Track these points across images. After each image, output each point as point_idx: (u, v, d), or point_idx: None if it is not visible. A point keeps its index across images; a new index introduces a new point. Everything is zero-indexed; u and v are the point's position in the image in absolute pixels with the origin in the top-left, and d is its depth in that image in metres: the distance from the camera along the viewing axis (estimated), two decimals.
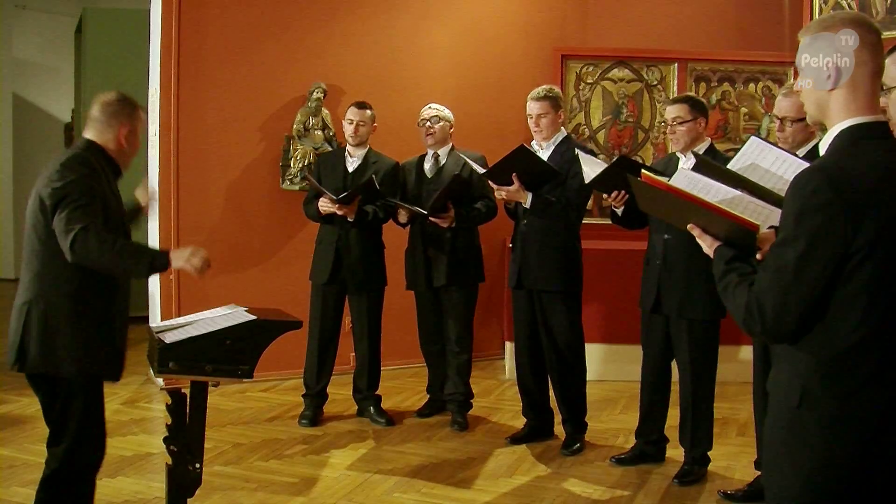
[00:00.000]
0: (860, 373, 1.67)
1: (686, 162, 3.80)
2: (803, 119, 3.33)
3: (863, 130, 1.73)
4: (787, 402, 1.74)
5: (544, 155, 4.12)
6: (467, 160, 4.38)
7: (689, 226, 1.98)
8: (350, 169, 4.62)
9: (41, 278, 2.69)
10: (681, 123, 3.76)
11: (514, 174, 3.97)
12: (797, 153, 3.32)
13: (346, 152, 4.68)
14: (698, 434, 3.84)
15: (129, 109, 2.87)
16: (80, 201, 2.63)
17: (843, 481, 1.68)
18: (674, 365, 3.93)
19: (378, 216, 4.55)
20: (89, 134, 2.85)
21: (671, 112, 3.79)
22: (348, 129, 4.61)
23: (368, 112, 4.62)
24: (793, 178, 1.74)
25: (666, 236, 3.77)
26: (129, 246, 2.71)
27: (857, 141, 1.72)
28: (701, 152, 3.75)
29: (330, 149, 5.44)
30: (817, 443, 1.69)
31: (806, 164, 2.73)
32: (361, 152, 4.64)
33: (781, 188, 2.71)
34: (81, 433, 2.72)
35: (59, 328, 2.66)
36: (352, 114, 4.61)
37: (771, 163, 2.77)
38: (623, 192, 3.71)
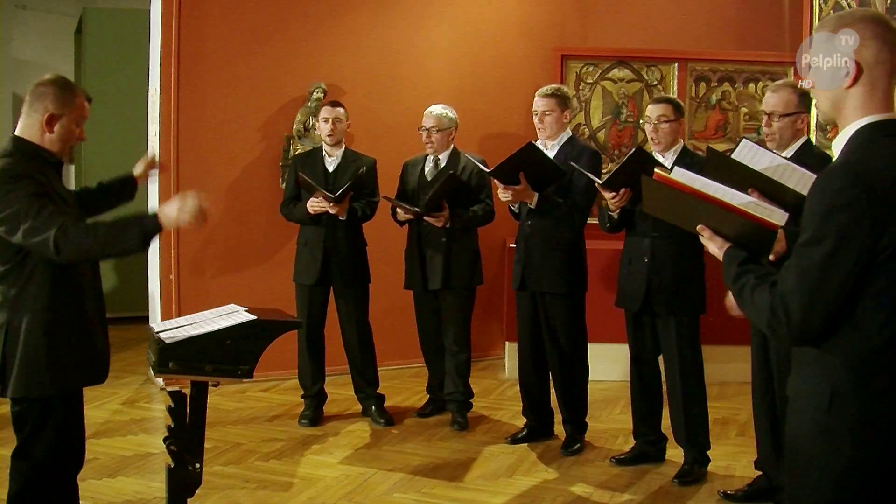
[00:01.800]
0: (891, 372, 1.65)
1: (664, 161, 3.82)
2: (791, 114, 3.35)
3: (881, 128, 1.72)
4: (816, 405, 1.71)
5: (549, 154, 4.11)
6: (470, 158, 4.37)
7: (698, 227, 1.96)
8: (330, 168, 4.63)
9: (13, 298, 2.58)
10: (666, 122, 3.78)
11: (521, 173, 3.96)
12: (785, 152, 3.34)
13: (324, 152, 4.68)
14: (695, 433, 3.84)
15: (59, 92, 2.60)
16: (33, 209, 2.46)
17: (876, 483, 1.66)
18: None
19: (366, 213, 4.57)
20: (18, 125, 2.62)
21: (656, 111, 3.82)
22: (325, 128, 4.61)
23: (342, 110, 4.63)
24: (817, 175, 1.72)
25: (654, 235, 3.78)
26: (112, 226, 2.54)
27: (877, 139, 1.70)
28: (677, 153, 3.81)
29: None
30: (848, 445, 1.66)
31: (798, 168, 2.74)
32: (339, 151, 4.65)
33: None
34: (54, 450, 2.63)
35: (39, 347, 2.55)
36: (326, 112, 4.62)
37: (765, 166, 2.78)
38: (627, 190, 3.71)
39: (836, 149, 1.77)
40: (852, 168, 1.66)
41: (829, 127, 5.45)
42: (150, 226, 2.54)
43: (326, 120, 4.60)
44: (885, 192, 1.63)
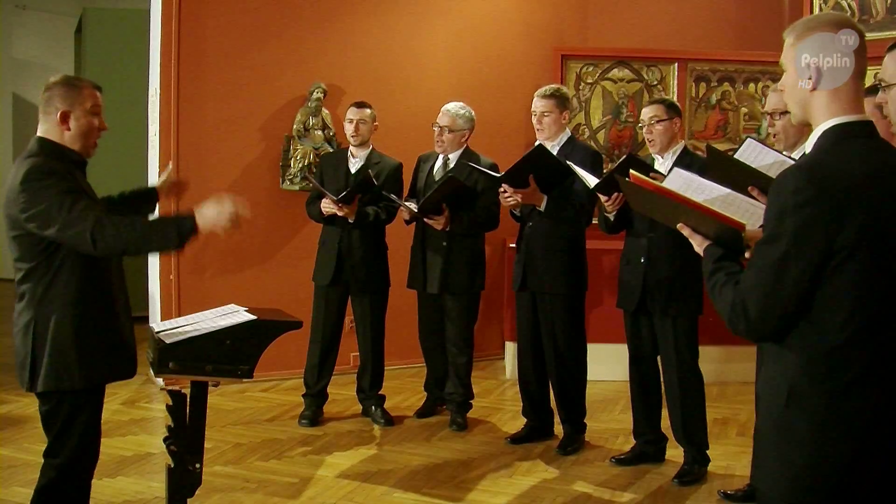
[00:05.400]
0: (848, 371, 1.67)
1: (663, 163, 3.83)
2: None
3: (847, 129, 1.74)
4: (776, 401, 1.74)
5: None
6: (475, 166, 4.25)
7: (678, 225, 2.00)
8: (353, 170, 4.60)
9: (39, 295, 2.59)
10: (658, 122, 3.80)
11: (530, 175, 3.92)
12: (794, 152, 3.35)
13: (349, 153, 4.66)
14: (693, 432, 3.84)
15: (64, 89, 2.64)
16: (66, 204, 2.50)
17: (832, 481, 1.68)
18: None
19: (380, 217, 4.53)
20: (38, 128, 2.66)
21: (648, 112, 3.85)
22: (349, 129, 4.59)
23: (368, 111, 4.59)
24: (776, 176, 1.75)
25: (650, 234, 3.79)
26: (150, 224, 2.63)
27: (841, 140, 1.74)
28: (676, 154, 3.82)
29: (330, 149, 5.44)
30: (805, 442, 1.69)
31: None
32: (364, 153, 4.62)
33: None
34: (83, 446, 2.67)
35: (68, 341, 2.58)
36: (351, 113, 4.59)
37: (770, 164, 2.79)
38: (621, 194, 3.71)
39: (808, 149, 1.81)
40: (808, 170, 1.69)
41: None
42: (188, 227, 2.59)
43: (351, 121, 4.57)
44: (841, 193, 1.65)
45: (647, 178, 2.06)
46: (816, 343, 1.69)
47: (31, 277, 2.60)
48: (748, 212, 2.00)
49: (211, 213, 2.60)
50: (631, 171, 2.10)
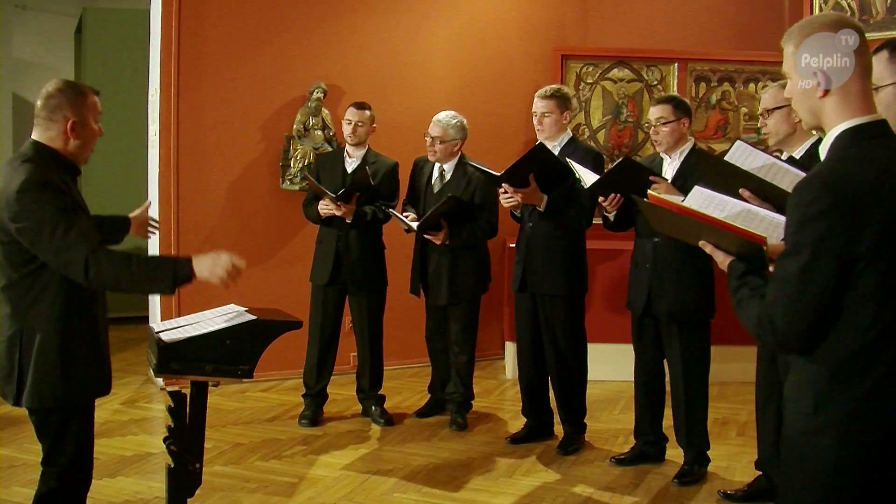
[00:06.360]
0: (872, 375, 1.66)
1: (671, 163, 3.82)
2: (780, 108, 3.35)
3: (861, 131, 1.72)
4: (802, 407, 1.73)
5: None
6: (477, 167, 4.19)
7: (701, 242, 1.98)
8: (349, 169, 4.60)
9: (24, 309, 2.53)
10: (664, 124, 3.77)
11: (530, 175, 3.90)
12: (796, 151, 3.34)
13: (346, 153, 4.66)
14: (694, 434, 3.84)
15: (73, 97, 2.55)
16: (61, 226, 2.42)
17: (858, 486, 1.67)
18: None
19: (377, 217, 4.53)
20: (35, 133, 2.57)
21: (655, 112, 3.82)
22: (347, 129, 4.59)
23: (367, 112, 4.59)
24: (794, 186, 1.73)
25: (656, 239, 3.77)
26: (146, 264, 2.55)
27: (856, 142, 1.71)
28: (684, 154, 3.79)
29: (330, 149, 5.44)
30: (831, 447, 1.68)
31: (791, 169, 2.75)
32: (360, 153, 4.62)
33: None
34: (78, 456, 2.64)
35: (52, 359, 2.52)
36: (350, 114, 4.59)
37: (759, 166, 2.79)
38: (619, 195, 3.70)
39: (823, 154, 1.79)
40: (823, 178, 1.67)
41: None
42: (183, 273, 2.56)
43: (349, 122, 4.57)
44: (858, 199, 1.63)
45: (665, 198, 2.05)
46: (841, 348, 1.68)
47: (17, 288, 2.54)
48: (770, 225, 1.99)
49: (207, 263, 2.59)
50: (649, 192, 2.09)
